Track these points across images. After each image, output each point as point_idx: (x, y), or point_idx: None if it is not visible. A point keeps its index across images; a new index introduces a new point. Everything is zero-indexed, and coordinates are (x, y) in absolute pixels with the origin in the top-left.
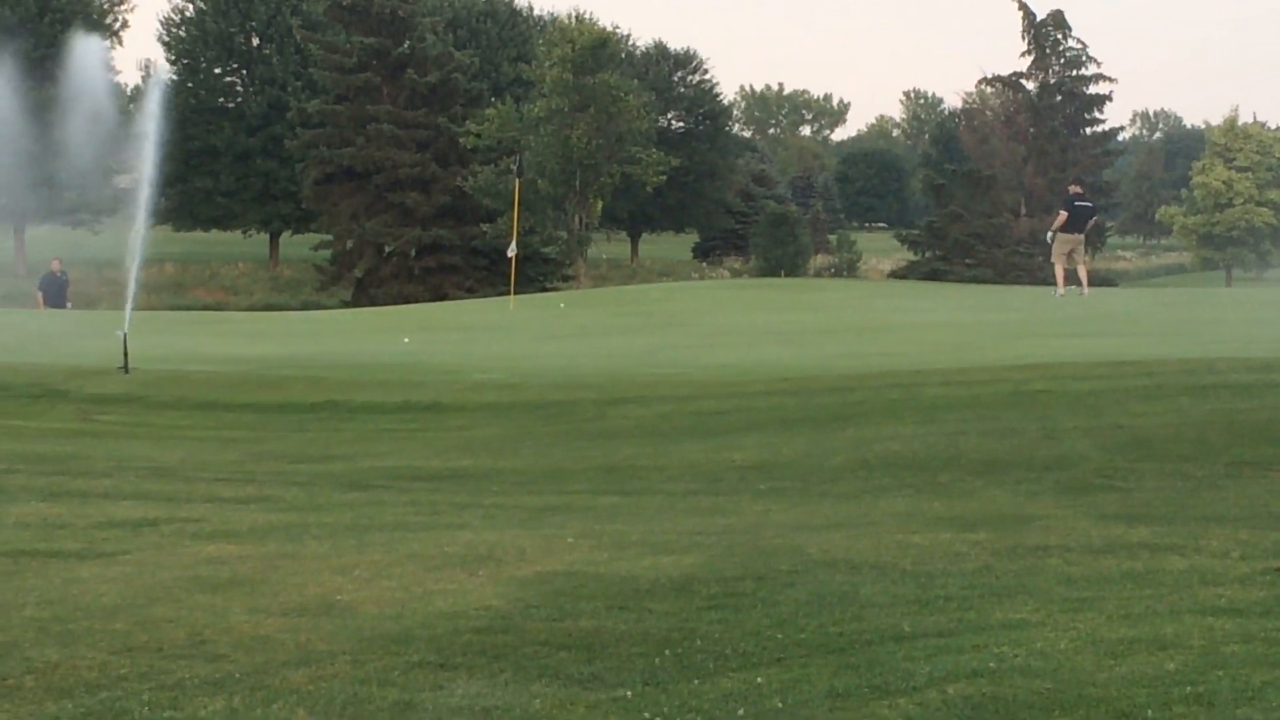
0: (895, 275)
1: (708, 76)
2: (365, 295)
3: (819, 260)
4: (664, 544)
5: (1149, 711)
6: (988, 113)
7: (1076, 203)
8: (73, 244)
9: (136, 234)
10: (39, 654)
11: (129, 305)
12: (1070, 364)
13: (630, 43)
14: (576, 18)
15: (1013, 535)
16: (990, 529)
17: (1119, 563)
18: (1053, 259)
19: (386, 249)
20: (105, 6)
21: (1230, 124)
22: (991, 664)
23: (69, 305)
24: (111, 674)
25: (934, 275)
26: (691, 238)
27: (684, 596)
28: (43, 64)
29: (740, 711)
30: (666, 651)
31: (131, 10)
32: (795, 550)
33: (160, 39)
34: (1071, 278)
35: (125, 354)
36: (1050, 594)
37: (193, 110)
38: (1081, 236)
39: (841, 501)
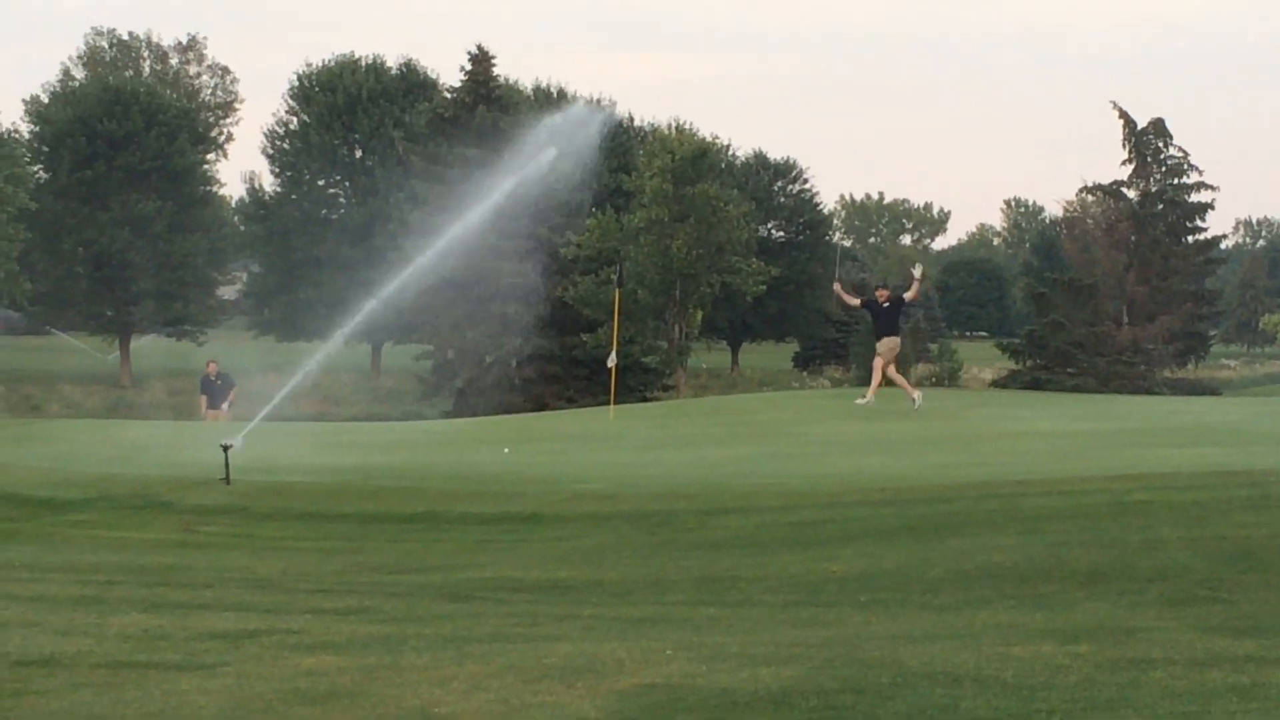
0: (997, 384)
1: (807, 186)
2: (466, 405)
3: (920, 369)
4: (763, 656)
5: None
6: (1089, 221)
7: (882, 304)
8: (178, 354)
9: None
10: None
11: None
12: (1174, 474)
13: (730, 152)
14: (676, 128)
15: (1115, 648)
16: (1092, 641)
17: (1224, 676)
18: (880, 363)
19: (487, 359)
20: (210, 120)
21: None
22: None
23: (224, 407)
24: None
25: (1035, 384)
26: (792, 347)
27: (783, 710)
28: (149, 177)
29: None
30: None
31: (236, 123)
32: (895, 662)
33: (264, 151)
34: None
35: (227, 465)
36: (1154, 708)
37: (296, 222)
38: (896, 341)
39: (941, 613)
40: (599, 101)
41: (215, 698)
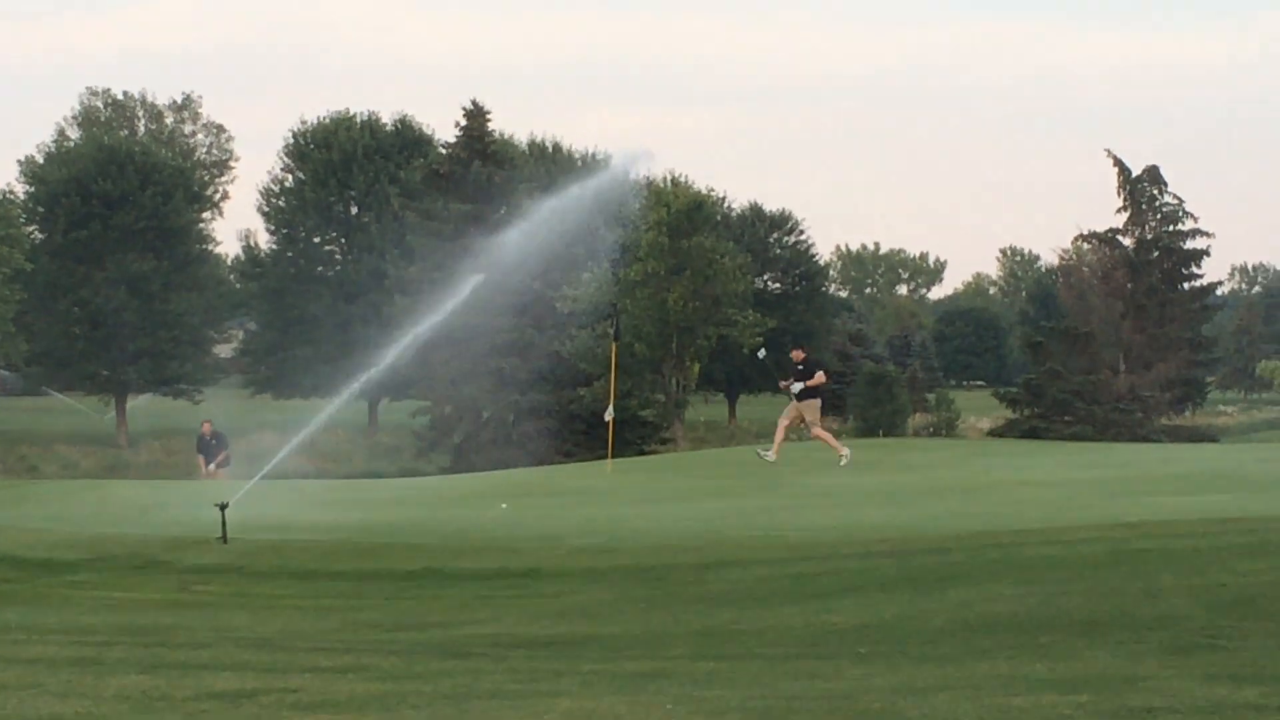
0: (994, 433)
1: (803, 237)
2: (464, 461)
3: (917, 419)
4: (762, 710)
5: None
6: (1085, 269)
7: (797, 365)
8: (174, 413)
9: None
10: None
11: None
12: (1172, 522)
13: (726, 205)
14: (672, 181)
15: (1117, 697)
16: (1093, 690)
17: None
18: (819, 428)
19: (484, 414)
20: (206, 179)
21: None
22: None
23: (212, 467)
24: None
25: (1033, 433)
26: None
27: None
28: (144, 236)
29: None
30: None
31: (232, 182)
32: (896, 715)
33: (260, 209)
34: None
35: (224, 524)
36: None
37: (291, 279)
38: (817, 403)
39: (942, 664)
40: (595, 156)
41: None
